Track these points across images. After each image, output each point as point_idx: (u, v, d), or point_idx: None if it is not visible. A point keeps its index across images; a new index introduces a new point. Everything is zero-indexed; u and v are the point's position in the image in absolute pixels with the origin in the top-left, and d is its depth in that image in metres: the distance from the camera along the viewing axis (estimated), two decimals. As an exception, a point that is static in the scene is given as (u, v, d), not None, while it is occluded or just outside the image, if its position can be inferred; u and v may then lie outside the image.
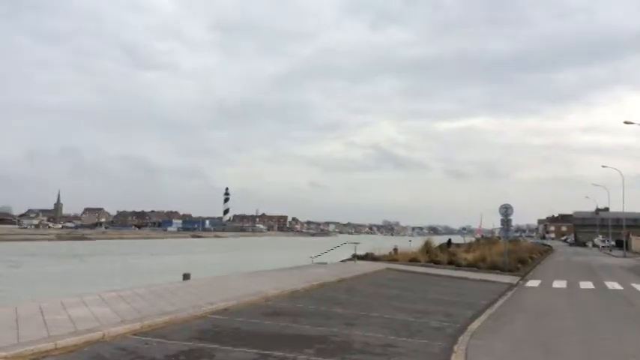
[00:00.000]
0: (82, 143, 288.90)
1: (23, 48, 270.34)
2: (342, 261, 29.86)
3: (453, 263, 29.58)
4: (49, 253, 63.32)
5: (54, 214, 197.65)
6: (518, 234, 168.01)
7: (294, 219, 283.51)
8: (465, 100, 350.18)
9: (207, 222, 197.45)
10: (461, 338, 10.62)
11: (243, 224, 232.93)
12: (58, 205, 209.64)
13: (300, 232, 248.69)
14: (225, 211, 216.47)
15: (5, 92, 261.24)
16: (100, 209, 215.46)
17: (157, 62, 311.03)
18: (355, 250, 30.37)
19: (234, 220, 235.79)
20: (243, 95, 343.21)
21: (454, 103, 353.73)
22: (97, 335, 8.71)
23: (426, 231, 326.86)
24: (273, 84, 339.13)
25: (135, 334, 9.25)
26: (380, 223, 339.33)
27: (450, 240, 46.61)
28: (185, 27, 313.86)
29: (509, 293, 20.25)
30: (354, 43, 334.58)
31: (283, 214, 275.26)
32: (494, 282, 23.87)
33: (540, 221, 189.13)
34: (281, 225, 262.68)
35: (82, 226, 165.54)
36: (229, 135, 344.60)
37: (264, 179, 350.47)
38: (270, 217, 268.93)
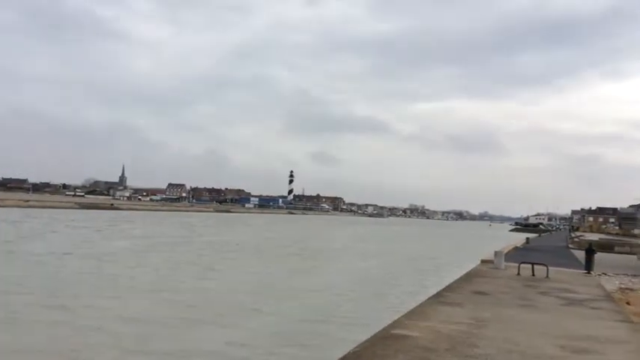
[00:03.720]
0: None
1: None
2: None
3: None
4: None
5: (119, 186, 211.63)
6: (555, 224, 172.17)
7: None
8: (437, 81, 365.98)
9: (280, 200, 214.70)
10: None
11: (305, 203, 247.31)
12: (123, 178, 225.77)
13: (357, 213, 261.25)
14: (290, 192, 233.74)
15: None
16: (182, 185, 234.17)
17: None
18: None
19: (293, 199, 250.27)
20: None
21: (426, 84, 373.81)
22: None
23: (453, 216, 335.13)
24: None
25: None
26: (405, 206, 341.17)
27: None
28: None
29: None
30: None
31: (338, 196, 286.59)
32: None
33: (575, 212, 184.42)
34: (336, 205, 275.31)
35: (169, 199, 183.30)
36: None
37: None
38: (325, 198, 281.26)
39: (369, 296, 21.03)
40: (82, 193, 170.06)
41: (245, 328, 14.07)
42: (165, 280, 21.79)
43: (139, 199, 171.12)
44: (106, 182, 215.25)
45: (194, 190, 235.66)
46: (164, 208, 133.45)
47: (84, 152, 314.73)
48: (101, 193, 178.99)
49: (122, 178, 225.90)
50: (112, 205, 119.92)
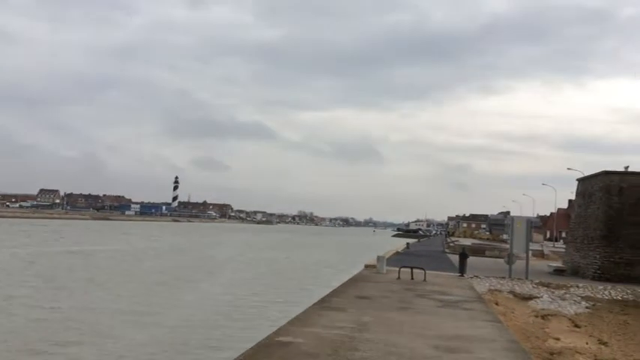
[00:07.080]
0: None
1: None
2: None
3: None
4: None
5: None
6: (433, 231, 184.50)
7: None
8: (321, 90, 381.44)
9: (164, 208, 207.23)
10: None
11: (190, 210, 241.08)
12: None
13: (246, 220, 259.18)
14: (174, 198, 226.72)
15: None
16: (56, 191, 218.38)
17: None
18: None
19: (178, 206, 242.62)
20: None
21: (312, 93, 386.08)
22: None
23: (340, 222, 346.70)
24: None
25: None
26: (295, 212, 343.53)
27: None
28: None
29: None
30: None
31: (226, 203, 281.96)
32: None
33: (451, 218, 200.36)
34: (224, 212, 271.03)
35: (41, 206, 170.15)
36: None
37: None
38: (213, 205, 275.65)
39: (249, 307, 20.91)
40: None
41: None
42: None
43: (7, 205, 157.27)
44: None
45: (69, 196, 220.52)
46: (35, 215, 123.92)
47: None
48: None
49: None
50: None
